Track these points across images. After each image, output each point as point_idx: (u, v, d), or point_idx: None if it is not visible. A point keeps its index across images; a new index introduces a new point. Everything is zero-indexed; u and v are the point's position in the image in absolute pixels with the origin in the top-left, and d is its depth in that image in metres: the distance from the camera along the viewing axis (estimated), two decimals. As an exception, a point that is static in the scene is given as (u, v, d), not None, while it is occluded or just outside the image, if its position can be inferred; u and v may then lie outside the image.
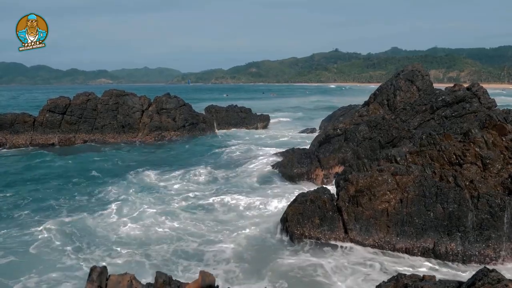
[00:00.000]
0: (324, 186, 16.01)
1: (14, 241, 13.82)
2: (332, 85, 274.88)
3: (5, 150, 33.12)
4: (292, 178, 20.69)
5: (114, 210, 16.86)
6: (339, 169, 20.35)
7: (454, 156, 13.17)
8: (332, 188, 14.68)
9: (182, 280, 6.67)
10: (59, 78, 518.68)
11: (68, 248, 13.33)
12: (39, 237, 14.13)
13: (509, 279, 6.23)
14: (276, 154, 24.96)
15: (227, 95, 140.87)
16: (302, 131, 42.90)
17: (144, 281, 6.31)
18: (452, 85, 25.72)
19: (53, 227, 14.95)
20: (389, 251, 12.32)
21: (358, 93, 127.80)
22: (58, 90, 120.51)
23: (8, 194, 19.77)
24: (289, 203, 14.10)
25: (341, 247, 12.63)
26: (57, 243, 13.71)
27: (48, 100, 38.76)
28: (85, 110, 37.67)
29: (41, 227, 14.88)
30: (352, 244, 12.65)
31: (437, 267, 11.69)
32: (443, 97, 22.80)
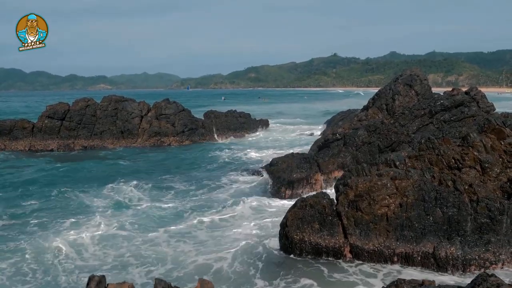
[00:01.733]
0: (324, 191, 15.99)
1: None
2: (340, 90, 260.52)
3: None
4: (291, 183, 20.64)
5: (85, 223, 16.21)
6: (338, 173, 20.34)
7: (453, 160, 13.18)
8: (331, 193, 14.64)
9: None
10: (58, 84, 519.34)
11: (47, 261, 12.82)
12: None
13: (509, 284, 6.22)
14: (275, 159, 24.86)
15: (224, 99, 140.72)
16: (301, 136, 42.97)
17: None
18: (450, 89, 25.82)
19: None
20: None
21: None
22: (57, 96, 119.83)
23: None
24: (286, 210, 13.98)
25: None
26: (29, 255, 13.23)
27: (47, 106, 38.83)
28: (84, 116, 37.70)
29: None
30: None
31: (436, 271, 11.66)
32: (441, 101, 22.85)
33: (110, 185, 22.26)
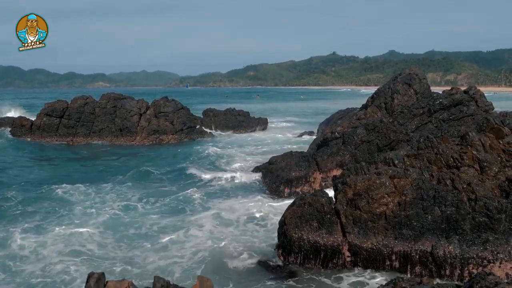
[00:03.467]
0: (323, 189, 16.01)
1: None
2: (348, 89, 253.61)
3: None
4: (290, 181, 20.67)
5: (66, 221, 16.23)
6: (337, 172, 20.35)
7: (451, 159, 13.20)
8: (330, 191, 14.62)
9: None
10: (57, 82, 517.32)
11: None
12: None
13: (507, 282, 6.24)
14: (273, 157, 24.91)
15: (227, 96, 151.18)
16: (300, 135, 42.96)
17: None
18: (449, 88, 25.88)
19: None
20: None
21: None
22: (55, 94, 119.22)
23: None
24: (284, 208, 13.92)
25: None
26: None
27: (45, 104, 38.78)
28: (83, 114, 37.67)
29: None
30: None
31: (434, 270, 11.67)
32: (440, 100, 22.90)
33: (89, 184, 22.06)
